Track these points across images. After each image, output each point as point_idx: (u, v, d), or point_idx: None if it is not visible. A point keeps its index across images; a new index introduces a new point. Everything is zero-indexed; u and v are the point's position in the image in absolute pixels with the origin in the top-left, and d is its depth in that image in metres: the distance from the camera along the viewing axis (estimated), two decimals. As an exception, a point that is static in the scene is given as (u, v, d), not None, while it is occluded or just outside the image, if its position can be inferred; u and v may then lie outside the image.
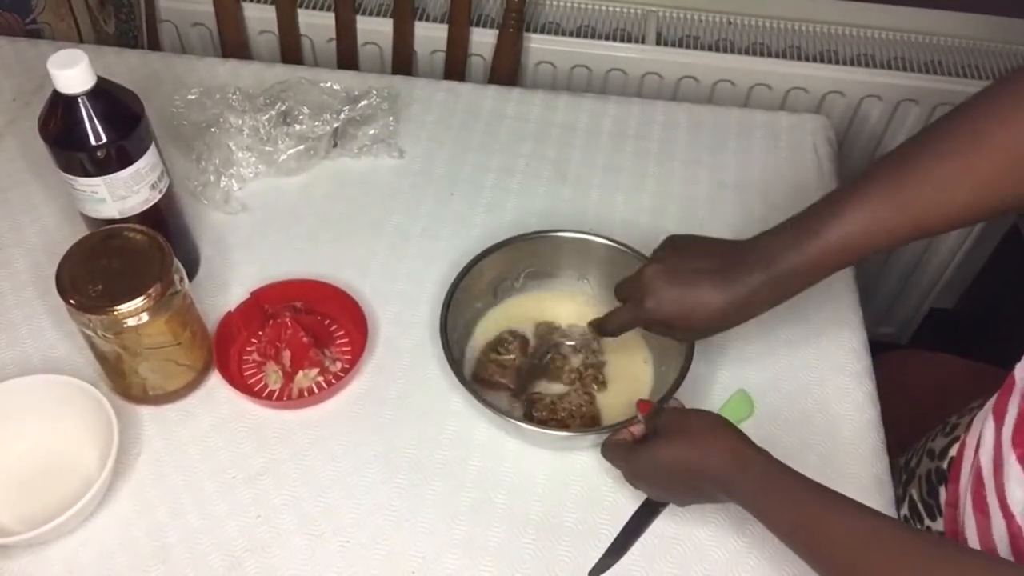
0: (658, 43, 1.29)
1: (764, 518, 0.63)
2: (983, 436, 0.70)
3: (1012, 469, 0.63)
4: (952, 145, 0.63)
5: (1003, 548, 0.65)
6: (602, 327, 0.79)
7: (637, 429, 0.72)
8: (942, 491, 0.80)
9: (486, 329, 0.87)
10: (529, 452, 0.80)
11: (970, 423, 0.78)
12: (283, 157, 0.98)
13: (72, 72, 0.73)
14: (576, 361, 0.85)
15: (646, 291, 0.71)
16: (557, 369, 0.84)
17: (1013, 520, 0.63)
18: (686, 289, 0.70)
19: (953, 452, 0.80)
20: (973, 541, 0.70)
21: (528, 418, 0.80)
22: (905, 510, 0.84)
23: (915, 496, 0.84)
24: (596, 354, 0.85)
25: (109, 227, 0.78)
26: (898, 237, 0.65)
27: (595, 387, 0.83)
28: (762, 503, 0.63)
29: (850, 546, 0.57)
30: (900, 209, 0.64)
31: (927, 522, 0.81)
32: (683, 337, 0.75)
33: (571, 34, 1.30)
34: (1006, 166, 0.61)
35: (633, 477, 0.71)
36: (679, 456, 0.66)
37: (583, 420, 0.80)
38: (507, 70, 1.27)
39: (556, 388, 0.84)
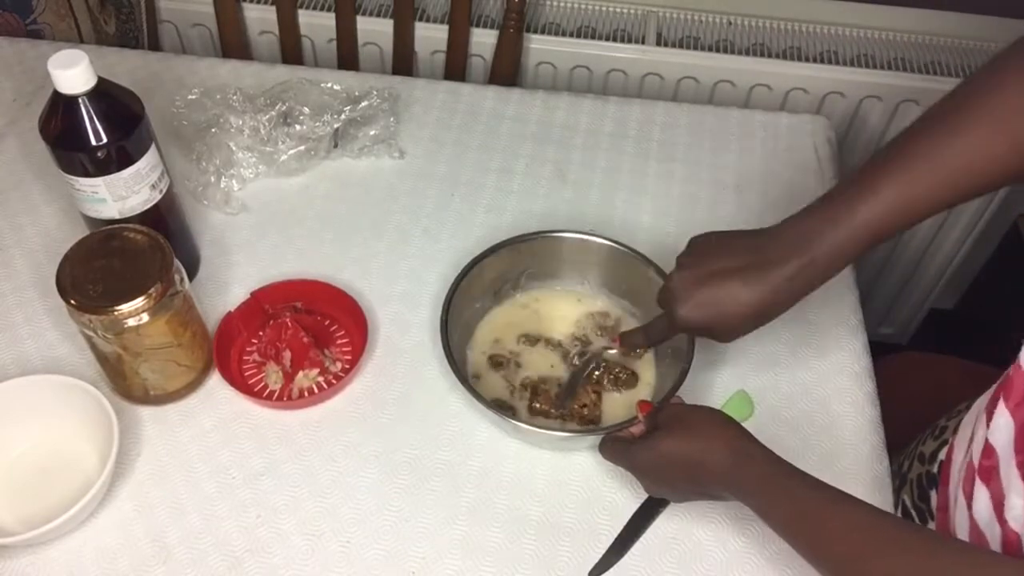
0: (658, 44, 1.29)
1: (763, 512, 0.63)
2: (975, 438, 0.69)
3: (1014, 480, 0.62)
4: (974, 113, 0.63)
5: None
6: (639, 339, 0.78)
7: (637, 429, 0.73)
8: (933, 495, 0.80)
9: (486, 329, 0.87)
10: (529, 452, 0.80)
11: (958, 426, 0.78)
12: (283, 157, 0.98)
13: (73, 72, 0.73)
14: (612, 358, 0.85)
15: (677, 299, 0.70)
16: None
17: (1007, 524, 0.63)
18: (717, 290, 0.68)
19: (942, 456, 0.80)
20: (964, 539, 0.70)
21: (529, 409, 0.81)
22: (898, 516, 0.84)
23: (907, 502, 0.83)
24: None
25: (109, 227, 0.78)
26: (926, 211, 0.65)
27: (610, 387, 0.82)
28: (762, 497, 0.63)
29: (848, 539, 0.58)
30: (930, 184, 0.64)
31: None
32: (724, 338, 0.72)
33: (571, 35, 1.30)
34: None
35: (632, 471, 0.72)
36: (680, 449, 0.66)
37: (581, 421, 0.80)
38: (507, 71, 1.27)
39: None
